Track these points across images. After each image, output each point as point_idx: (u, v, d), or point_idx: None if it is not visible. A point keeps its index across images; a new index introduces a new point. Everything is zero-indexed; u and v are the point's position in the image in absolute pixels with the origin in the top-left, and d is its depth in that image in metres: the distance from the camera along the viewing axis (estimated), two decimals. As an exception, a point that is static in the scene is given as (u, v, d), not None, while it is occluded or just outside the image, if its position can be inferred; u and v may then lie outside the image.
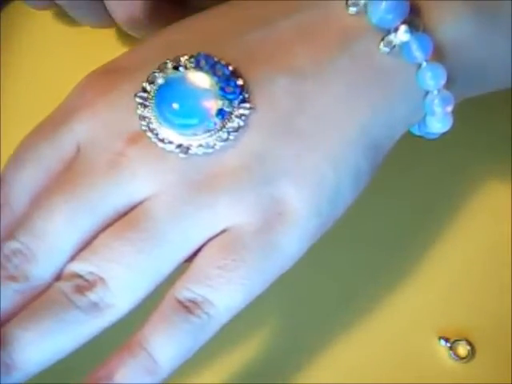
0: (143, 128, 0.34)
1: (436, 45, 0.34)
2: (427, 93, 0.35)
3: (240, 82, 0.34)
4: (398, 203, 0.42)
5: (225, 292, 0.33)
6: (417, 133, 0.37)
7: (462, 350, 0.39)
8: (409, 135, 0.37)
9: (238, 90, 0.34)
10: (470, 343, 0.39)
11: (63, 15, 0.44)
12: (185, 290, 0.33)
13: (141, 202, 0.33)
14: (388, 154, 0.36)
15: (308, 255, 0.38)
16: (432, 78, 0.34)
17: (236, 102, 0.34)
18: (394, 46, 0.34)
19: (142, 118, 0.34)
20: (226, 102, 0.34)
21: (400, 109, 0.35)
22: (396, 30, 0.34)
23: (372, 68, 0.34)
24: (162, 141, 0.33)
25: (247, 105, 0.34)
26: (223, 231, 0.33)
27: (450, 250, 0.41)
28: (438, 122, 0.36)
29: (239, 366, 0.39)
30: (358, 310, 0.40)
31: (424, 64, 0.34)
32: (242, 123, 0.33)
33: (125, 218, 0.33)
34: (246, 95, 0.34)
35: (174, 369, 0.33)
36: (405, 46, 0.34)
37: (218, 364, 0.39)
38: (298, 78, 0.34)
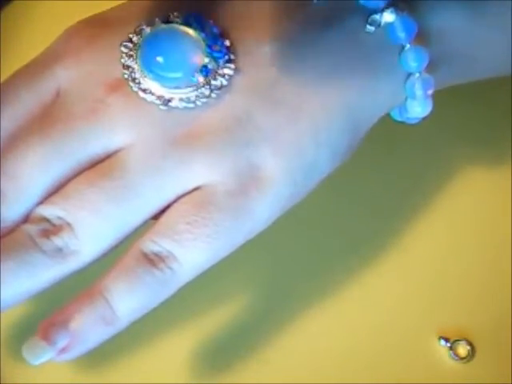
0: (126, 77, 0.34)
1: (421, 28, 0.35)
2: (409, 75, 0.36)
3: (227, 42, 0.34)
4: (388, 197, 0.42)
5: (190, 248, 0.33)
6: (398, 118, 0.38)
7: (462, 350, 0.39)
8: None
9: (224, 50, 0.34)
10: (470, 343, 0.39)
11: (63, 15, 0.44)
12: (151, 243, 0.33)
13: (116, 152, 0.33)
14: (373, 136, 0.36)
15: (304, 254, 0.38)
16: (414, 60, 0.35)
17: (221, 61, 0.34)
18: (379, 25, 0.35)
19: (126, 67, 0.34)
20: (212, 60, 0.34)
21: (382, 89, 0.36)
22: (382, 10, 0.35)
23: (357, 46, 0.35)
24: (143, 91, 0.34)
25: (232, 65, 0.34)
26: (196, 189, 0.33)
27: (449, 249, 0.41)
28: (418, 106, 0.36)
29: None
30: (358, 310, 0.40)
31: (407, 46, 0.35)
32: (225, 82, 0.34)
33: (99, 165, 0.33)
34: (232, 56, 0.34)
35: (131, 322, 0.33)
36: (389, 26, 0.35)
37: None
38: (286, 47, 0.35)
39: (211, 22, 0.34)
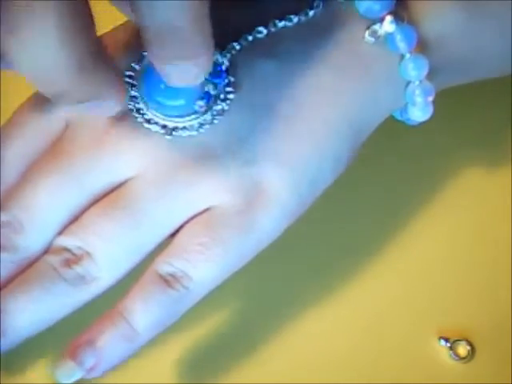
0: (130, 107, 0.34)
1: (420, 37, 0.35)
2: (409, 83, 0.36)
3: (226, 66, 0.34)
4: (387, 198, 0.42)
5: (203, 268, 0.34)
6: (399, 118, 0.38)
7: (462, 350, 0.39)
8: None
9: (223, 74, 0.34)
10: (470, 343, 0.39)
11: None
12: (165, 265, 0.34)
13: (126, 180, 0.34)
14: (372, 139, 0.36)
15: (304, 255, 0.38)
16: (414, 69, 0.35)
17: (221, 86, 0.34)
18: (379, 36, 0.35)
19: (130, 98, 0.34)
20: (212, 86, 0.34)
21: (381, 97, 0.36)
22: (382, 20, 0.35)
23: (356, 55, 0.35)
24: (147, 121, 0.34)
25: (232, 89, 0.34)
26: (206, 210, 0.34)
27: (449, 249, 0.41)
28: (419, 111, 0.37)
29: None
30: (357, 310, 0.40)
31: (407, 55, 0.35)
32: (226, 107, 0.34)
33: (111, 195, 0.34)
34: (232, 79, 0.34)
35: (152, 337, 0.34)
36: (389, 36, 0.35)
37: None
38: (284, 62, 0.35)
39: None
